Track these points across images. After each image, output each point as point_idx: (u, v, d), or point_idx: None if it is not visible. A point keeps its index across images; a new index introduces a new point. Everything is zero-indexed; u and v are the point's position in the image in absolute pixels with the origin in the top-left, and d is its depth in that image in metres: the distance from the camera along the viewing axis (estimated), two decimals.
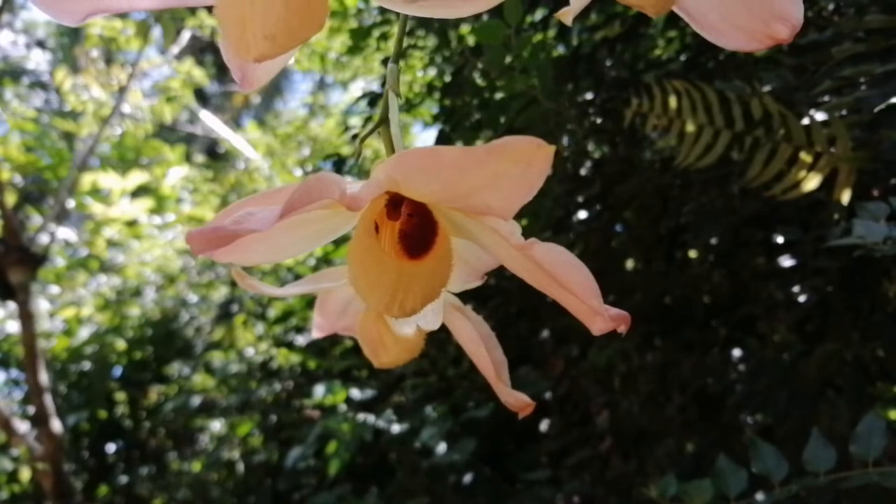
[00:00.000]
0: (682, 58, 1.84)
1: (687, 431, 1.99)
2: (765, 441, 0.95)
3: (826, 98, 1.34)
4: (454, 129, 1.68)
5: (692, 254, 2.08)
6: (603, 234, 2.03)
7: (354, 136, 1.62)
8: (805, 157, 1.30)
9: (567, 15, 0.52)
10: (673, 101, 1.35)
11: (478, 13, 0.45)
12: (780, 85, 1.33)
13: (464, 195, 0.35)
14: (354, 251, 0.41)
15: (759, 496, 0.91)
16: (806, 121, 1.31)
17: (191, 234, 0.34)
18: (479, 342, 0.52)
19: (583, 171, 1.83)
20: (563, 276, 0.38)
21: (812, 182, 1.30)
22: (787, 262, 1.49)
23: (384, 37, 1.93)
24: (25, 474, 3.44)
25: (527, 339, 2.43)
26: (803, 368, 1.62)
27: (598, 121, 1.80)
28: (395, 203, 0.40)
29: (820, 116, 1.29)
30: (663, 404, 2.04)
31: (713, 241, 1.88)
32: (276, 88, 7.97)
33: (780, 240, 1.49)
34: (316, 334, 0.62)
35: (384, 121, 0.52)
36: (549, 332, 2.37)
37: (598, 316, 0.38)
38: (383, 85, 1.57)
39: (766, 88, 1.35)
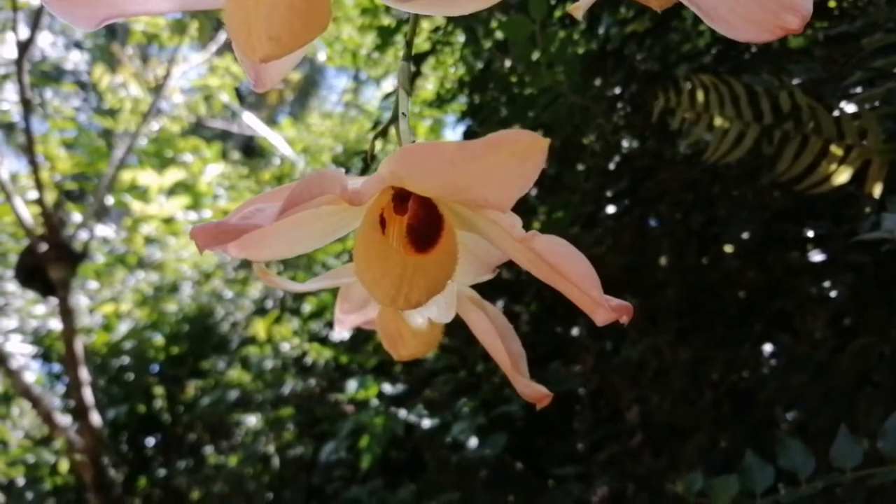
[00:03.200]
0: (714, 51, 1.83)
1: (719, 427, 1.98)
2: (799, 437, 0.94)
3: (859, 90, 1.32)
4: (482, 124, 1.68)
5: (727, 249, 2.06)
6: (635, 229, 2.02)
7: (383, 133, 1.63)
8: (836, 150, 1.28)
9: (578, 10, 0.53)
10: (700, 96, 1.34)
11: (484, 9, 0.46)
12: (810, 77, 1.31)
13: (463, 189, 0.35)
14: (360, 245, 0.42)
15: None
16: (836, 113, 1.29)
17: (195, 229, 0.35)
18: (494, 334, 0.53)
19: (611, 166, 1.82)
20: (563, 267, 0.38)
21: (843, 175, 1.29)
22: (818, 256, 1.47)
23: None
24: (65, 466, 3.51)
25: (561, 334, 2.43)
26: (837, 364, 1.60)
27: (628, 115, 1.79)
28: (401, 198, 0.41)
29: (851, 108, 1.28)
30: (695, 400, 2.02)
31: (745, 235, 1.87)
32: (311, 85, 8.03)
33: (810, 234, 1.47)
34: (338, 329, 0.63)
35: (396, 118, 0.52)
36: (583, 327, 2.37)
37: (600, 307, 0.39)
38: (411, 82, 1.58)
39: (796, 81, 1.34)
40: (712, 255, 2.07)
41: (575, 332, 2.41)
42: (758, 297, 1.97)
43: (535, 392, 0.53)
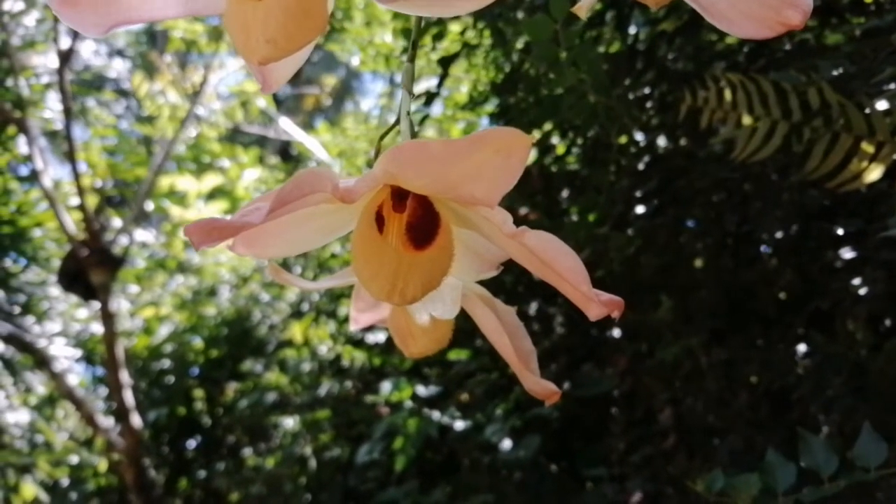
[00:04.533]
0: (746, 49, 1.81)
1: (755, 429, 1.95)
2: (840, 438, 0.94)
3: (892, 86, 1.30)
4: (509, 125, 1.67)
5: (763, 248, 2.04)
6: (669, 230, 2.01)
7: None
8: (866, 147, 1.26)
9: (581, 10, 0.53)
10: (728, 94, 1.33)
11: (479, 9, 0.46)
12: (837, 74, 1.29)
13: (452, 186, 0.36)
14: (356, 242, 0.43)
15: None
16: (868, 110, 1.27)
17: (189, 227, 0.36)
18: (501, 332, 0.53)
19: (641, 166, 1.81)
20: (553, 262, 0.39)
21: (874, 173, 1.27)
22: (849, 254, 1.45)
23: (440, 36, 1.95)
24: (105, 467, 3.57)
25: (595, 336, 2.42)
26: (875, 364, 1.58)
27: (658, 114, 1.78)
28: (400, 196, 0.42)
29: (882, 105, 1.26)
30: (729, 401, 2.00)
31: (779, 234, 1.85)
32: (347, 90, 8.09)
33: (840, 232, 1.45)
34: (353, 327, 0.64)
35: (407, 118, 0.53)
36: (619, 329, 2.35)
37: (591, 301, 0.39)
38: (439, 84, 1.58)
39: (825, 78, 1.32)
40: (748, 255, 2.05)
41: (609, 333, 2.40)
42: (794, 297, 1.94)
43: (543, 389, 0.53)
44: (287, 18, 0.39)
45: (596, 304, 0.39)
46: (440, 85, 1.65)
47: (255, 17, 0.40)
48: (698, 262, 2.17)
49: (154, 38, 5.37)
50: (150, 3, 0.45)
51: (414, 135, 0.50)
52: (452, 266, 0.43)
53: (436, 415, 2.38)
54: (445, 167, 0.35)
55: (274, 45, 0.40)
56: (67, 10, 0.43)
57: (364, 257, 0.43)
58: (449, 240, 0.42)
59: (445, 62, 1.74)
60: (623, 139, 1.62)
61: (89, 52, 4.71)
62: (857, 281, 1.51)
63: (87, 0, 0.44)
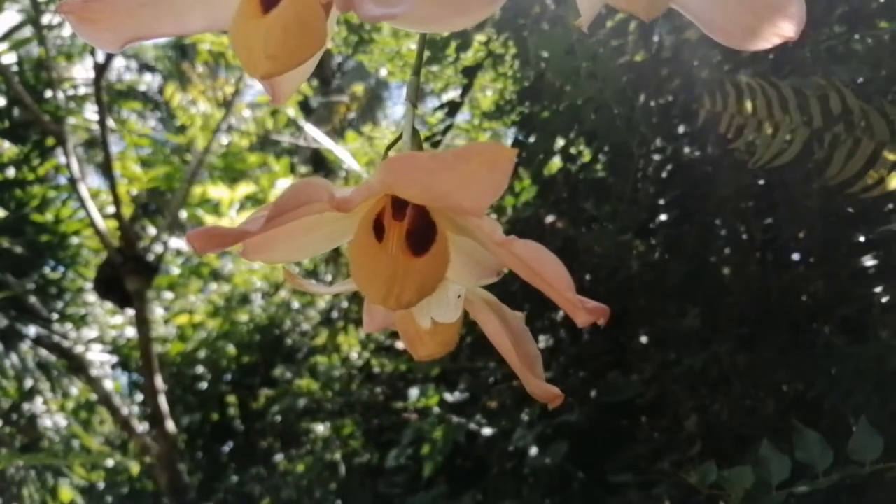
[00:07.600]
0: (771, 56, 1.80)
1: (783, 437, 1.94)
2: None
3: None
4: (530, 134, 1.69)
5: (795, 256, 2.03)
6: (696, 237, 2.00)
7: (435, 144, 1.66)
8: (889, 154, 1.26)
9: (582, 24, 0.54)
10: (747, 99, 1.33)
11: (502, 21, 0.48)
12: (853, 78, 1.29)
13: (441, 196, 0.38)
14: (354, 249, 0.45)
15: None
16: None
17: (191, 233, 0.38)
18: (504, 336, 0.55)
19: (664, 174, 1.81)
20: (539, 269, 0.40)
21: None
22: (870, 261, 1.45)
23: (464, 46, 1.97)
24: (137, 470, 3.63)
25: (622, 343, 2.41)
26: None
27: (682, 122, 1.79)
28: (399, 205, 0.44)
29: None
30: (757, 409, 1.99)
31: (806, 241, 1.84)
32: (378, 99, 8.15)
33: (863, 239, 1.45)
34: (366, 330, 0.66)
35: (415, 132, 0.55)
36: (646, 336, 2.35)
37: (578, 309, 0.40)
38: (462, 94, 1.59)
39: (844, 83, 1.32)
40: (776, 261, 2.04)
41: (636, 340, 2.39)
42: (823, 304, 1.93)
43: (546, 392, 0.54)
44: (287, 35, 0.41)
45: (582, 311, 0.40)
46: (464, 95, 1.67)
47: (257, 34, 0.42)
48: (725, 270, 2.16)
49: (184, 49, 5.46)
50: (164, 20, 0.48)
51: (418, 146, 0.51)
52: (451, 272, 0.45)
53: (463, 421, 2.39)
54: (434, 178, 0.37)
55: (275, 60, 0.42)
56: (85, 26, 0.46)
57: (361, 263, 0.45)
58: (444, 247, 0.44)
59: (470, 72, 1.75)
60: (644, 148, 1.62)
61: (121, 66, 4.80)
62: (881, 289, 1.50)
63: (105, 17, 0.46)
